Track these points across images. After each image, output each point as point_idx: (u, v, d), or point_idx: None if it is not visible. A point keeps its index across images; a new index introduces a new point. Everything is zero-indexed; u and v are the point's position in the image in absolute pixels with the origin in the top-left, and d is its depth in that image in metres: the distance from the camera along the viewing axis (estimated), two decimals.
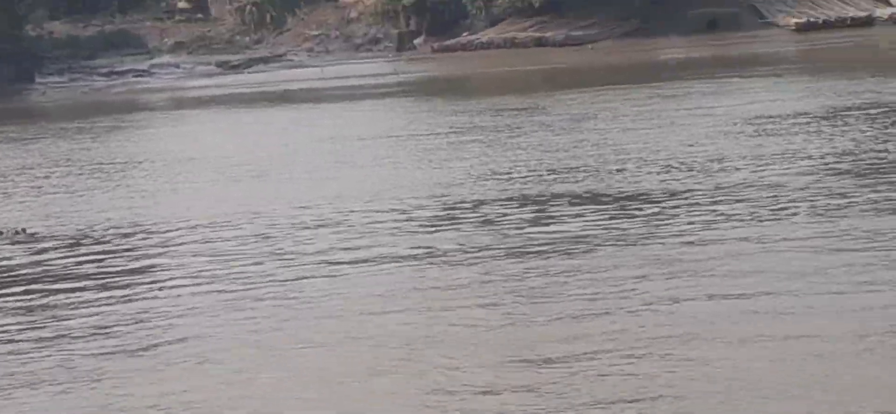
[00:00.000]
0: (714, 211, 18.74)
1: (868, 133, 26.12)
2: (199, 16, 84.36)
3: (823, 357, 11.04)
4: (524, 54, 66.84)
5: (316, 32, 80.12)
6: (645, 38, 67.02)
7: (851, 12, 65.86)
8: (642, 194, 20.71)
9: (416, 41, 73.51)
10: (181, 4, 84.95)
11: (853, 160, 22.69)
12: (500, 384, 10.92)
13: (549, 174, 23.87)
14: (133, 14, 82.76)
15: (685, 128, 29.37)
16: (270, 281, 16.05)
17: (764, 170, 22.32)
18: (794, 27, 65.13)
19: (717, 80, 43.57)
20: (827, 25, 64.93)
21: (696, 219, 18.27)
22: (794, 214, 18.08)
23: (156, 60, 75.19)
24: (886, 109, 30.27)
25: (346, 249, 17.77)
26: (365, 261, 16.84)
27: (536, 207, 20.33)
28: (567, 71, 56.77)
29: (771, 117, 30.13)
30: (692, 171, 22.80)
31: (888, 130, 26.35)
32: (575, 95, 40.56)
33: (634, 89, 41.03)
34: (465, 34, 72.16)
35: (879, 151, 23.63)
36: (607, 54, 64.24)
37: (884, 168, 21.69)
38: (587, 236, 17.50)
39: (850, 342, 11.41)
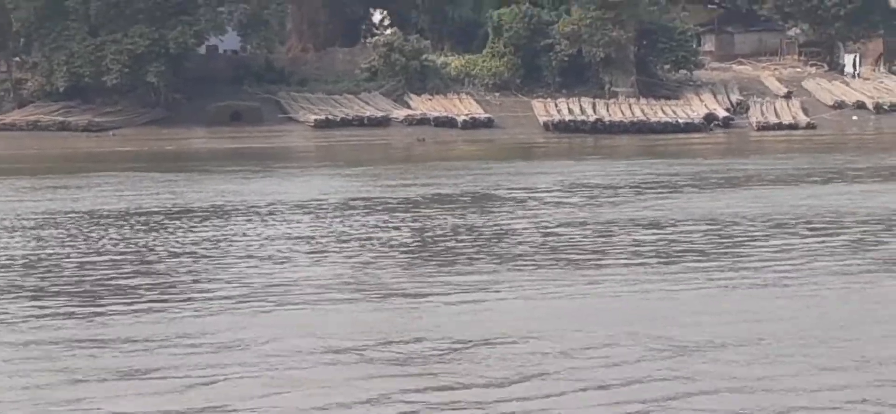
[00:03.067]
0: None
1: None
2: None
3: None
4: (45, 138, 65.60)
5: None
6: (169, 126, 66.97)
7: (369, 112, 67.72)
8: None
9: None
10: None
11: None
12: None
13: None
14: None
15: None
16: None
17: None
18: (313, 123, 66.44)
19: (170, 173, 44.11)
20: (345, 123, 66.56)
21: None
22: None
23: None
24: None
25: None
26: None
27: None
28: (41, 157, 56.34)
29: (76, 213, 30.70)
30: None
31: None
32: None
33: (67, 179, 41.27)
34: None
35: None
36: (123, 142, 63.88)
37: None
38: None
39: None
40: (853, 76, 73.80)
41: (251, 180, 41.16)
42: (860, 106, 68.90)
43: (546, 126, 66.58)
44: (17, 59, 71.89)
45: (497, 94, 70.64)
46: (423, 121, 66.88)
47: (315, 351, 14.79)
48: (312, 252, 23.74)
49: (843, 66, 74.76)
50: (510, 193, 34.97)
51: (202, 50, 72.37)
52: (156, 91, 68.33)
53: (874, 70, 75.10)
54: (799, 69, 75.03)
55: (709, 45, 78.91)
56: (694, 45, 73.80)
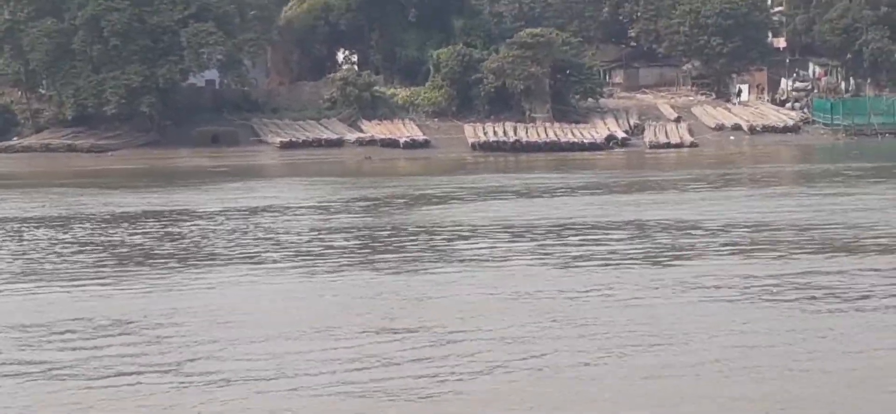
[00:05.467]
0: None
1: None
2: None
3: None
4: (55, 158, 78.69)
5: None
6: (159, 148, 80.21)
7: (325, 135, 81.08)
8: None
9: None
10: None
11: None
12: None
13: None
14: None
15: None
16: None
17: None
18: (279, 145, 79.73)
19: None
20: (305, 145, 79.83)
21: None
22: None
23: None
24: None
25: None
26: None
27: None
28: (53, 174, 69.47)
29: None
30: None
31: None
32: None
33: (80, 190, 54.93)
34: (14, 139, 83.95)
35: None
36: (120, 161, 77.11)
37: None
38: None
39: None
40: (737, 103, 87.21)
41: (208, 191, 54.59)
42: (737, 128, 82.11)
43: (473, 146, 79.74)
44: (34, 92, 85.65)
45: (436, 120, 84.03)
46: (371, 142, 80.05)
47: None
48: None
49: (732, 94, 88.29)
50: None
51: (201, 83, 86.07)
52: (149, 118, 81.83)
53: (759, 98, 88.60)
54: (691, 97, 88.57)
55: (618, 77, 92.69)
56: (600, 78, 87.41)
